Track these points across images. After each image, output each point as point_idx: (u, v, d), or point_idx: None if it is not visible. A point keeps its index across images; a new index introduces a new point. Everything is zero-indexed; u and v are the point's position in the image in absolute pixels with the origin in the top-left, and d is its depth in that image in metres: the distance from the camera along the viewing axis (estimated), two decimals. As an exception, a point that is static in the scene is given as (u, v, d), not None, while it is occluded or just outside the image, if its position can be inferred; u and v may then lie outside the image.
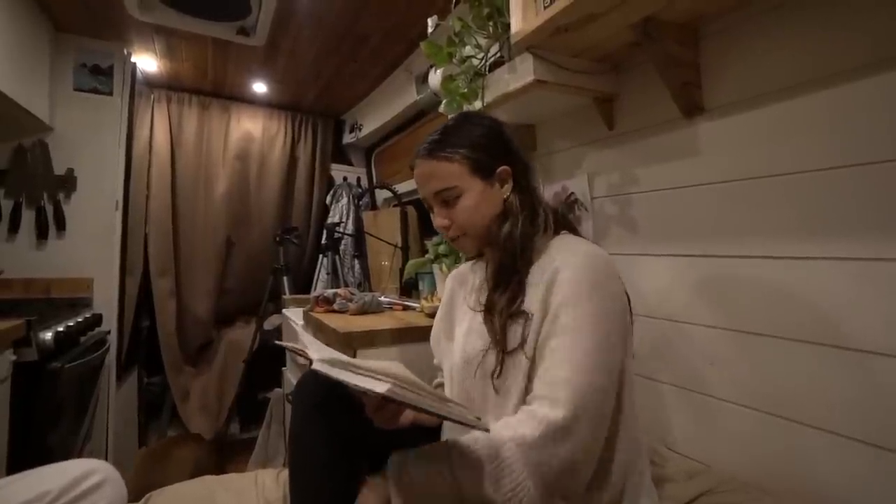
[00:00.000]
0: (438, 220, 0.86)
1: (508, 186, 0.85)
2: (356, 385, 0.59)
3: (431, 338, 1.04)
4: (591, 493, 0.71)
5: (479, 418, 0.66)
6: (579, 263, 0.74)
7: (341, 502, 0.73)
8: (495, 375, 0.77)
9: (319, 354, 0.71)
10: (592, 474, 0.70)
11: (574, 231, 0.88)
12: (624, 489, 0.74)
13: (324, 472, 0.74)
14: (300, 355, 0.77)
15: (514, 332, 0.76)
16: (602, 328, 0.71)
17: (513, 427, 0.67)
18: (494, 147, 0.85)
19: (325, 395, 0.78)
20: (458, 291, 0.98)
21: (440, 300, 1.52)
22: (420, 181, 0.86)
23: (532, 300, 0.76)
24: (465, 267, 1.03)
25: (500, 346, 0.76)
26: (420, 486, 0.66)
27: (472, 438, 0.68)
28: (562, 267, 0.74)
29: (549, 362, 0.71)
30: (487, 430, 0.65)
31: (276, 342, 1.02)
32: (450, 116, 1.24)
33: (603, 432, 0.70)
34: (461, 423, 0.63)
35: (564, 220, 0.89)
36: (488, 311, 0.80)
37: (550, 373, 0.70)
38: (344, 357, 0.68)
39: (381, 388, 0.57)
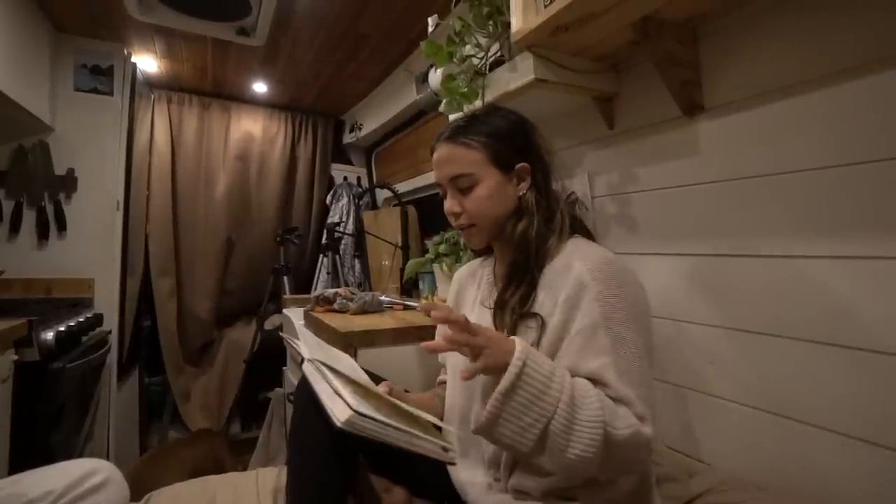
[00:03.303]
0: (448, 204, 0.85)
1: (525, 184, 0.84)
2: (323, 402, 0.61)
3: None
4: (596, 492, 0.71)
5: (447, 448, 0.65)
6: (606, 277, 0.71)
7: (339, 493, 0.75)
8: None
9: (311, 353, 0.72)
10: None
11: (588, 235, 0.87)
12: (628, 490, 0.74)
13: (323, 464, 0.75)
14: (296, 351, 0.78)
15: (525, 335, 0.75)
16: (638, 340, 0.70)
17: (609, 410, 0.63)
18: (517, 142, 0.84)
19: None
20: (466, 289, 0.98)
21: (440, 300, 1.53)
22: (437, 164, 0.85)
23: (545, 303, 0.75)
24: (472, 264, 1.02)
25: None
26: (529, 394, 0.62)
27: (585, 387, 0.65)
28: (587, 279, 0.71)
29: (608, 379, 0.66)
30: (454, 464, 0.64)
31: (280, 333, 1.03)
32: (451, 116, 1.24)
33: None
34: (428, 456, 0.63)
35: (579, 223, 0.88)
36: (499, 307, 0.80)
37: (615, 389, 0.66)
38: (335, 356, 0.68)
39: (342, 415, 0.57)
